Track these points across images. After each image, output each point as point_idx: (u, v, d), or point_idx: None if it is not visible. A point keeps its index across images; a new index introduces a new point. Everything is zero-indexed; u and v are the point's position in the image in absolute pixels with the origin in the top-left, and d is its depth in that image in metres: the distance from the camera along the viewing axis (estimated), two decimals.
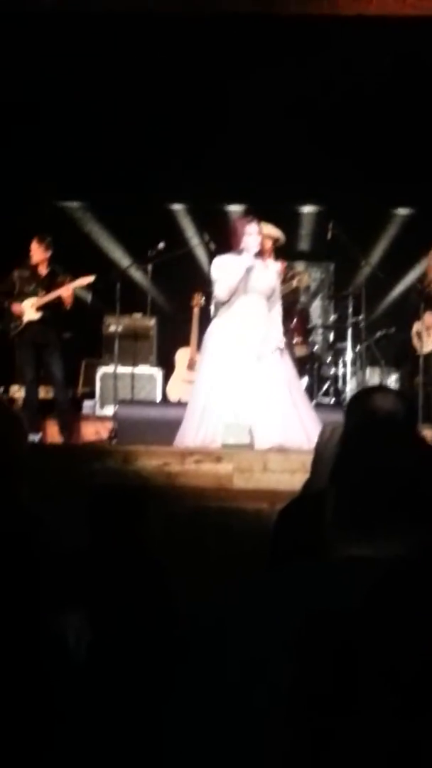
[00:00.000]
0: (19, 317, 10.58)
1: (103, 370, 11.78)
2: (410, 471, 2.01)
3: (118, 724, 3.29)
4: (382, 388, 3.73)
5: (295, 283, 10.82)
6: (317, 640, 1.81)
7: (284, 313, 10.41)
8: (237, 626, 1.87)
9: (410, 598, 1.86)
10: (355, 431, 2.61)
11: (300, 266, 12.20)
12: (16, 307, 10.59)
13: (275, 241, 10.75)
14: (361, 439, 2.13)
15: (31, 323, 10.56)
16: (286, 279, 10.79)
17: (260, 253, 9.22)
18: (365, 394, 3.87)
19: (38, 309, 10.52)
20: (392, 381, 12.25)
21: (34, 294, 10.56)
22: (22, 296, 10.59)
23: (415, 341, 10.17)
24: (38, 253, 10.66)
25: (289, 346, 10.26)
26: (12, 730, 2.85)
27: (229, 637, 1.87)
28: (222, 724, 1.80)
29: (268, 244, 10.64)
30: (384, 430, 2.19)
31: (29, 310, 10.52)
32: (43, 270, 10.66)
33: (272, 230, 10.69)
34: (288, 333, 9.90)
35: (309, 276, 11.28)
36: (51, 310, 10.53)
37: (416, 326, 10.15)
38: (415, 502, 1.96)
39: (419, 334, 10.10)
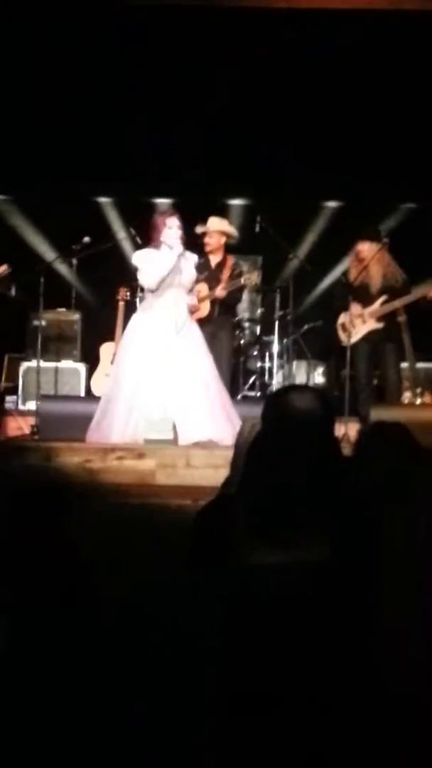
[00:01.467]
0: None
1: (26, 365, 11.61)
2: (318, 474, 1.94)
3: (41, 732, 3.19)
4: (298, 387, 3.64)
5: (242, 281, 10.72)
6: (234, 650, 1.81)
7: (226, 309, 10.37)
8: (156, 631, 1.93)
9: (319, 606, 1.84)
10: (266, 434, 2.55)
11: (246, 264, 12.06)
12: None
13: (227, 237, 10.73)
14: (269, 443, 2.08)
15: None
16: (233, 275, 10.70)
17: (183, 246, 9.15)
18: (281, 393, 3.77)
19: None
20: (319, 374, 12.21)
21: None
22: None
23: (341, 333, 10.11)
24: None
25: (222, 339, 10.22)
26: None
27: (150, 638, 1.93)
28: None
29: (222, 240, 10.63)
30: (299, 431, 2.13)
31: None
32: None
33: (225, 226, 10.70)
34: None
35: (257, 275, 11.22)
36: None
37: (341, 318, 10.08)
38: (323, 505, 1.95)
39: (344, 326, 10.04)
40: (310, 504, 1.93)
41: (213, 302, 10.30)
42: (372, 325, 9.95)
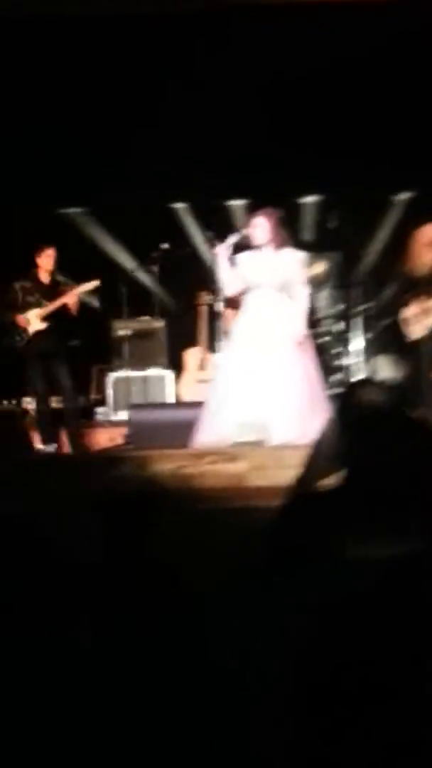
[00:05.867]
0: (25, 329, 10.48)
1: (114, 376, 11.70)
2: (414, 466, 1.98)
3: (128, 737, 3.27)
4: (369, 381, 3.65)
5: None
6: (331, 639, 1.80)
7: None
8: (249, 629, 1.92)
9: (421, 599, 1.83)
10: (349, 430, 2.59)
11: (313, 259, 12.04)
12: (21, 319, 10.45)
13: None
14: (358, 438, 2.08)
15: (37, 334, 10.44)
16: None
17: (273, 244, 9.02)
18: (353, 389, 3.79)
19: (44, 319, 10.42)
20: (403, 368, 12.05)
21: (38, 304, 10.45)
22: (26, 307, 10.48)
23: (406, 327, 9.84)
24: (41, 262, 10.57)
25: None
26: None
27: (243, 639, 1.91)
28: (235, 725, 1.83)
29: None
30: (377, 424, 2.15)
31: (35, 320, 10.41)
32: (45, 279, 10.56)
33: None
34: None
35: (322, 265, 11.18)
36: (57, 319, 10.45)
37: (405, 312, 9.79)
38: (424, 498, 1.98)
39: (407, 321, 9.84)
40: (409, 497, 1.97)
41: None
42: None
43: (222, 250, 9.10)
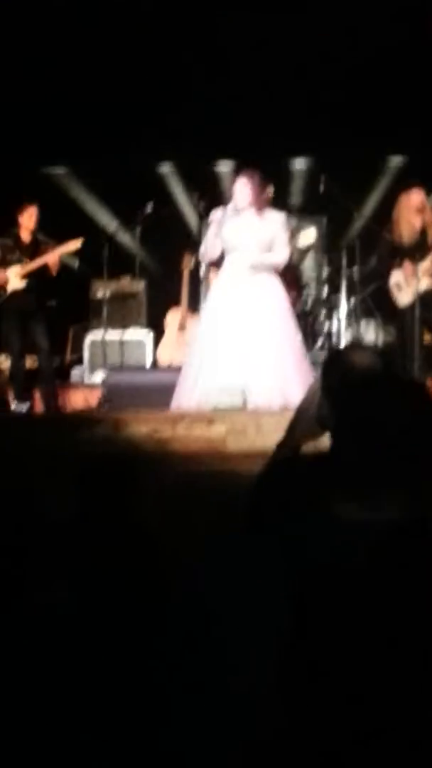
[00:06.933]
0: (3, 286, 10.31)
1: (91, 337, 11.54)
2: (401, 426, 2.00)
3: (107, 697, 3.09)
4: (357, 346, 3.54)
5: (300, 243, 10.56)
6: (314, 598, 1.82)
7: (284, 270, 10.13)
8: (234, 585, 1.97)
9: (402, 564, 1.82)
10: (336, 394, 2.58)
11: (302, 224, 11.87)
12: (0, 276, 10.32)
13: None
14: (345, 402, 2.19)
15: (16, 292, 10.29)
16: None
17: (255, 206, 8.85)
18: (341, 354, 3.71)
19: (23, 277, 10.26)
20: (388, 333, 11.91)
21: (18, 262, 10.30)
22: (5, 264, 10.33)
23: (395, 293, 9.77)
24: (23, 220, 10.39)
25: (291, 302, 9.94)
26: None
27: (225, 596, 1.96)
28: (219, 687, 1.84)
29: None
30: (365, 388, 2.21)
31: (14, 278, 10.28)
32: (27, 238, 10.42)
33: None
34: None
35: (314, 233, 11.06)
36: (36, 277, 10.28)
37: (394, 277, 9.74)
38: (412, 457, 1.94)
39: (398, 286, 9.73)
40: (399, 460, 1.94)
41: None
42: (426, 282, 9.61)
43: (215, 218, 8.90)
